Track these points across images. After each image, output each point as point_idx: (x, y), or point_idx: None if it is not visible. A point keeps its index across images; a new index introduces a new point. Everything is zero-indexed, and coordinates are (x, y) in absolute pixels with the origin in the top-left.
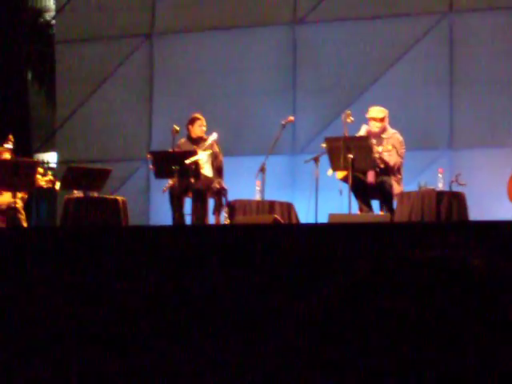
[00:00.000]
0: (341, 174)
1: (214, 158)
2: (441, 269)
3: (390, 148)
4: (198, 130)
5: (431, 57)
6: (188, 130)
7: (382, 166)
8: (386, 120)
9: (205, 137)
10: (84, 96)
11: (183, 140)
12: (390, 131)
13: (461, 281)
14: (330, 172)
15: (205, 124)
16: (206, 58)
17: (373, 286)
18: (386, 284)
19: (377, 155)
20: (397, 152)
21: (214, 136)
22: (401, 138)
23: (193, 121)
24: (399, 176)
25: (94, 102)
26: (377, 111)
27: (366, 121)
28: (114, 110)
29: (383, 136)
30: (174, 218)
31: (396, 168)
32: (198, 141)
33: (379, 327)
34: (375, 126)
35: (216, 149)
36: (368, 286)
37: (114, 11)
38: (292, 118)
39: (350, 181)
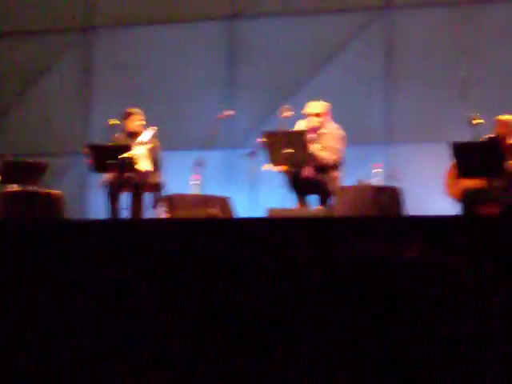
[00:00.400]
0: (280, 170)
1: (153, 151)
2: (376, 261)
3: (330, 144)
4: (133, 124)
5: (368, 52)
6: (124, 124)
7: (318, 162)
8: (328, 114)
9: (141, 130)
10: (20, 90)
11: (117, 135)
12: (331, 126)
13: (397, 273)
14: (266, 167)
15: (141, 118)
16: (143, 51)
17: (312, 281)
18: (325, 279)
19: (314, 152)
20: (332, 149)
21: (152, 130)
22: (342, 133)
23: (127, 115)
24: (337, 173)
25: (30, 97)
26: (314, 106)
27: (303, 116)
28: (51, 105)
29: (323, 131)
30: (110, 213)
31: (335, 164)
32: (133, 135)
33: (316, 322)
34: (314, 121)
35: (155, 142)
36: (307, 281)
37: (50, 3)
38: (231, 112)
39: (288, 176)
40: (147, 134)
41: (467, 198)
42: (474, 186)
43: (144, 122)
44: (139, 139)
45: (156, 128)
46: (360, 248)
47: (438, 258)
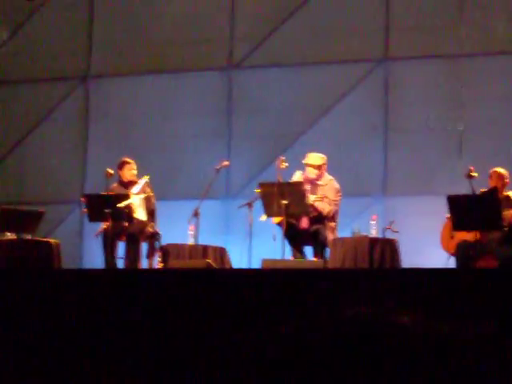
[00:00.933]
0: (276, 219)
1: (147, 200)
2: (367, 327)
3: (322, 198)
4: (128, 173)
5: (366, 104)
6: (118, 174)
7: (315, 213)
8: (324, 167)
9: (136, 180)
10: (18, 138)
11: (115, 184)
12: (327, 178)
13: (387, 339)
14: (263, 218)
15: (135, 167)
16: (141, 101)
17: (303, 332)
18: (314, 339)
19: (311, 203)
20: (330, 200)
21: (145, 179)
22: (337, 186)
23: (122, 165)
24: (333, 224)
25: (28, 144)
26: (314, 158)
27: (301, 167)
28: (48, 153)
29: (319, 183)
30: (106, 262)
31: (330, 216)
32: (129, 185)
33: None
34: (312, 173)
35: (148, 191)
36: (299, 332)
37: (50, 53)
38: (227, 162)
39: (284, 227)
40: (138, 186)
41: (463, 251)
42: (469, 238)
43: (135, 172)
44: (133, 189)
45: (147, 177)
46: (349, 312)
47: (431, 326)
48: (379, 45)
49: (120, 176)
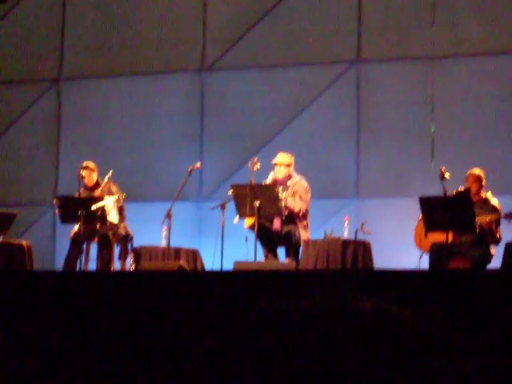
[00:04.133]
0: (248, 223)
1: (118, 203)
2: (338, 316)
3: (294, 194)
4: (87, 179)
5: (338, 105)
6: (81, 177)
7: (286, 212)
8: (292, 166)
9: (99, 183)
10: None
11: (82, 189)
12: (296, 177)
13: (357, 326)
14: (236, 219)
15: (93, 173)
16: (114, 103)
17: (274, 333)
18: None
19: (283, 202)
20: (301, 198)
21: (107, 176)
22: (306, 184)
23: (81, 171)
24: (305, 222)
25: (0, 146)
26: (283, 157)
27: (273, 168)
28: (20, 155)
29: (288, 183)
30: (66, 262)
31: (301, 214)
32: (93, 188)
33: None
34: (280, 172)
35: (115, 190)
36: (269, 333)
37: (22, 55)
38: (199, 164)
39: (256, 228)
40: (105, 180)
41: (435, 252)
42: (442, 240)
43: (95, 177)
44: (100, 190)
45: (110, 172)
46: (320, 301)
47: (396, 312)
48: (352, 46)
49: (83, 179)
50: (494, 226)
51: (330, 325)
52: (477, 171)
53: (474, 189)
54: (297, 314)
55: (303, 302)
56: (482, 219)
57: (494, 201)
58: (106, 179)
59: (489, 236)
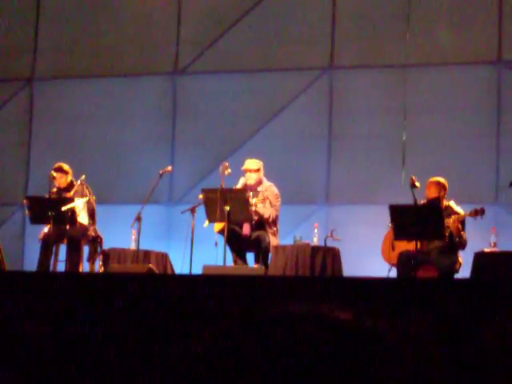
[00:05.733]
0: (218, 227)
1: (89, 203)
2: (308, 323)
3: (264, 200)
4: (59, 181)
5: (310, 112)
6: (53, 179)
7: (256, 217)
8: (262, 172)
9: (71, 185)
10: None
11: (55, 189)
12: (266, 184)
13: (328, 335)
14: (206, 224)
15: (65, 176)
16: (86, 104)
17: (242, 338)
18: (256, 337)
19: (252, 208)
20: (271, 204)
21: (80, 179)
22: (276, 191)
23: (51, 175)
24: (275, 228)
25: None
26: (252, 163)
27: (244, 174)
28: None
29: (258, 189)
30: (39, 264)
31: (271, 220)
32: (66, 190)
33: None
34: (251, 178)
35: (87, 193)
36: (237, 338)
37: None
38: (170, 167)
39: (226, 233)
40: (80, 201)
41: (403, 261)
42: (410, 248)
43: (67, 179)
44: (72, 193)
45: (83, 177)
46: (291, 308)
47: (368, 322)
48: (324, 53)
49: (55, 181)
50: (459, 227)
51: (304, 332)
52: (439, 179)
53: (434, 196)
54: (268, 319)
55: (278, 308)
56: (449, 221)
57: (457, 208)
58: (78, 182)
59: (455, 238)
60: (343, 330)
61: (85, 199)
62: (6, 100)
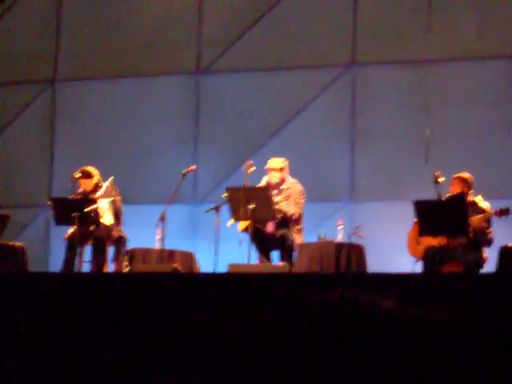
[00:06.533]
0: (242, 226)
1: (114, 204)
2: (349, 310)
3: (288, 197)
4: (83, 186)
5: (333, 109)
6: (79, 183)
7: (280, 216)
8: (286, 170)
9: (98, 186)
10: None
11: (81, 190)
12: (290, 180)
13: (370, 322)
14: (230, 223)
15: (89, 180)
16: (109, 105)
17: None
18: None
19: (276, 206)
20: (295, 202)
21: (108, 181)
22: (300, 188)
23: (75, 180)
24: (299, 226)
25: None
26: (275, 162)
27: (267, 172)
28: (15, 156)
29: (282, 187)
30: (65, 265)
31: (295, 218)
32: (92, 192)
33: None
34: (274, 177)
35: (114, 194)
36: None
37: (16, 56)
38: (194, 167)
39: (251, 231)
40: (102, 189)
41: (429, 256)
42: (436, 244)
43: (92, 183)
44: (98, 193)
45: (111, 178)
46: (328, 298)
47: (413, 311)
48: (347, 50)
49: (80, 184)
50: (485, 225)
51: (343, 321)
52: (464, 175)
53: (458, 192)
54: (304, 312)
55: (314, 298)
56: (473, 219)
57: (484, 203)
58: (107, 183)
59: (481, 236)
60: (388, 317)
61: (109, 199)
62: (29, 102)
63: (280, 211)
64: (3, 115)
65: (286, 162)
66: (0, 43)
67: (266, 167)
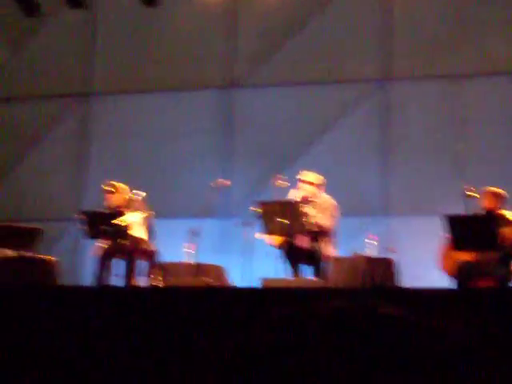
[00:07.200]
0: (275, 241)
1: (147, 220)
2: (351, 317)
3: (324, 210)
4: (110, 201)
5: (367, 123)
6: (108, 197)
7: (315, 229)
8: (320, 187)
9: (133, 198)
10: (17, 155)
11: (105, 203)
12: (325, 196)
13: (374, 328)
14: (258, 235)
15: (118, 193)
16: (141, 119)
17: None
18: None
19: (312, 220)
20: (331, 215)
21: (140, 196)
22: (335, 203)
23: (103, 193)
24: (332, 240)
25: (27, 162)
26: (308, 175)
27: (295, 185)
28: (46, 170)
29: (316, 200)
30: (97, 279)
31: (330, 231)
32: (119, 207)
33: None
34: (307, 189)
35: (149, 211)
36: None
37: (50, 71)
38: (226, 181)
39: (284, 245)
40: (134, 215)
41: (461, 272)
42: (467, 259)
43: (118, 198)
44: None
45: (144, 194)
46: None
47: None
48: (380, 65)
49: (109, 199)
50: None
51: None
52: (494, 189)
53: (488, 206)
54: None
55: (332, 304)
56: (504, 232)
57: (510, 216)
58: (139, 198)
59: (508, 249)
60: (402, 323)
61: (138, 214)
62: (62, 115)
63: (316, 224)
64: (37, 128)
65: (322, 179)
66: (35, 57)
67: (298, 177)
